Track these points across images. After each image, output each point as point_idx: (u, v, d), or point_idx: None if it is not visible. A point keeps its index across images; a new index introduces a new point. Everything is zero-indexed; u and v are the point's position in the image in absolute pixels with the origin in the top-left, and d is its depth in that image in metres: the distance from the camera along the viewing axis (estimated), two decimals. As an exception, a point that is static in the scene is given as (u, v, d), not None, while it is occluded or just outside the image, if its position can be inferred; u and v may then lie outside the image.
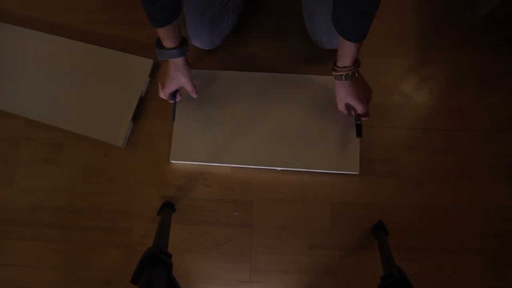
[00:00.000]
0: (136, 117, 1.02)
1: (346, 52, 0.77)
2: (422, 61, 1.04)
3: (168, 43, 0.80)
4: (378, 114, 1.00)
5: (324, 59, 1.03)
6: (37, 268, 0.96)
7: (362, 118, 0.89)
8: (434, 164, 0.97)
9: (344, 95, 0.86)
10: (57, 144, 1.02)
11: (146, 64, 1.04)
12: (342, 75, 0.81)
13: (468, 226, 0.94)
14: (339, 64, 0.81)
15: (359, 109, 0.86)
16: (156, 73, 1.05)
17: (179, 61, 0.84)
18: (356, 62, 0.80)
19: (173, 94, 0.93)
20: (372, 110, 1.00)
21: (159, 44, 0.82)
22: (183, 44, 0.82)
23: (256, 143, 0.96)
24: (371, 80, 1.02)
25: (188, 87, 0.92)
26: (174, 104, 0.94)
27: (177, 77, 0.88)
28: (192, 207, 0.97)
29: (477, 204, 0.95)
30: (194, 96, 0.94)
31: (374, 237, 0.92)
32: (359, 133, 0.89)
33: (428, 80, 1.03)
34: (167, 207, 0.94)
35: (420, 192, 0.96)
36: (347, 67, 0.80)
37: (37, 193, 1.00)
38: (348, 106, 0.91)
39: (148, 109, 1.03)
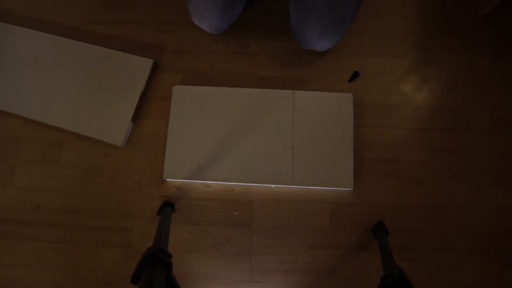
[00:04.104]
0: (136, 117, 1.02)
1: None
2: (422, 61, 1.04)
3: None
4: (378, 114, 1.00)
5: (323, 60, 1.04)
6: (37, 268, 0.96)
7: None
8: (434, 164, 0.97)
9: None
10: (57, 144, 1.02)
11: (146, 64, 1.04)
12: None
13: (468, 226, 0.94)
14: None
15: None
16: (156, 73, 1.05)
17: None
18: None
19: None
20: (372, 110, 1.01)
21: None
22: None
23: (250, 160, 0.96)
24: (371, 80, 1.03)
25: None
26: None
27: None
28: (192, 207, 0.97)
29: (477, 204, 0.95)
30: None
31: (374, 237, 0.92)
32: None
33: (428, 80, 1.03)
34: (167, 207, 0.94)
35: (420, 192, 0.96)
36: None
37: (37, 193, 1.00)
38: None
39: (148, 109, 1.03)
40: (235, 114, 0.99)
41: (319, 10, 0.85)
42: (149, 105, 1.04)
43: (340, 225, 0.95)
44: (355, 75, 1.02)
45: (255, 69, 1.04)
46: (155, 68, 1.05)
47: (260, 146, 0.96)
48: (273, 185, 0.96)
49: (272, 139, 0.97)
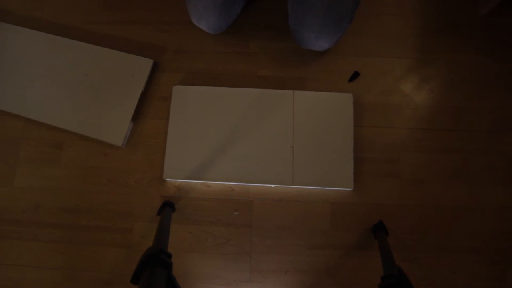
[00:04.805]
0: (136, 117, 1.02)
1: None
2: (422, 61, 1.04)
3: None
4: (378, 114, 1.00)
5: (323, 60, 1.04)
6: (37, 268, 0.96)
7: None
8: (434, 164, 0.97)
9: None
10: (57, 144, 1.02)
11: (146, 64, 1.04)
12: None
13: (468, 226, 0.94)
14: None
15: None
16: (156, 73, 1.05)
17: None
18: None
19: None
20: (372, 110, 1.01)
21: None
22: None
23: (250, 160, 0.96)
24: (371, 80, 1.03)
25: None
26: None
27: None
28: (192, 207, 0.97)
29: (477, 204, 0.95)
30: None
31: (374, 237, 0.92)
32: None
33: (428, 80, 1.03)
34: (167, 207, 0.94)
35: (420, 192, 0.96)
36: None
37: (37, 193, 1.00)
38: None
39: (148, 109, 1.03)
40: (235, 114, 0.99)
41: (317, 9, 0.85)
42: (149, 105, 1.04)
43: (340, 225, 0.95)
44: (355, 75, 1.02)
45: (255, 69, 1.04)
46: (155, 68, 1.05)
47: (260, 146, 0.96)
48: (273, 185, 0.96)
49: (272, 139, 0.97)
